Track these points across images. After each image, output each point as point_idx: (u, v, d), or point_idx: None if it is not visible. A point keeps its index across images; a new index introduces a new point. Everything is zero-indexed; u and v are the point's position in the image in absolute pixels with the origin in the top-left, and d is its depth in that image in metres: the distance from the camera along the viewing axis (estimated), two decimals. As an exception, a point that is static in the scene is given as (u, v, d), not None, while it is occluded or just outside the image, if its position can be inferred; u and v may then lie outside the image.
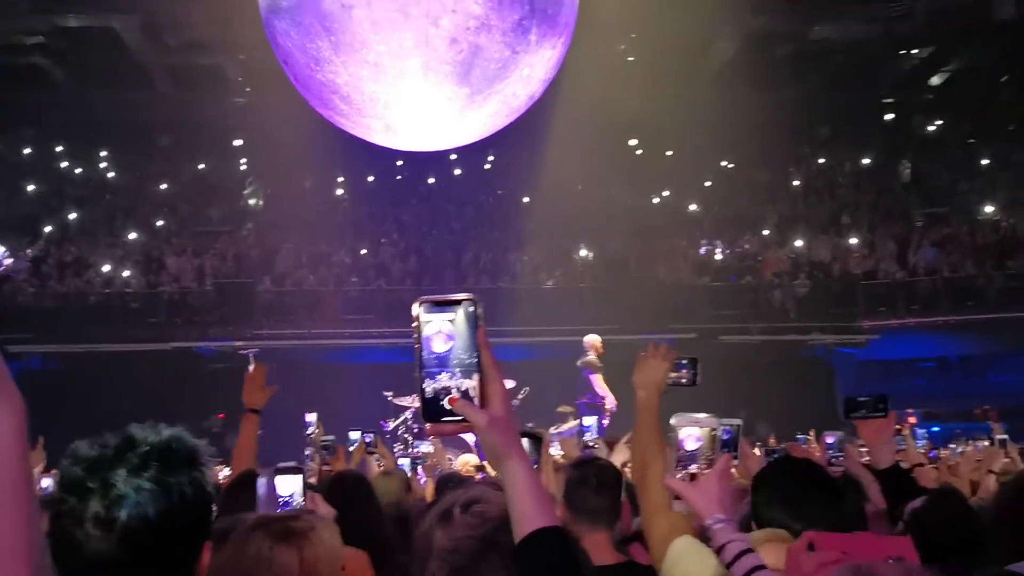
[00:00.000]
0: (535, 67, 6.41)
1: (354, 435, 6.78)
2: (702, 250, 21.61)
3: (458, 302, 1.37)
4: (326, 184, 22.64)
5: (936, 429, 18.59)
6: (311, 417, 7.88)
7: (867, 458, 3.86)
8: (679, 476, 1.99)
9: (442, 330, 1.36)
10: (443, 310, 1.37)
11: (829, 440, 4.73)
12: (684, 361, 2.86)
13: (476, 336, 1.36)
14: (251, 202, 22.66)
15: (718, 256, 21.33)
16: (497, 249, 21.29)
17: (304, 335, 18.70)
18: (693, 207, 22.90)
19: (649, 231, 21.43)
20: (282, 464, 2.87)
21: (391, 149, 8.11)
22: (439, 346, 1.36)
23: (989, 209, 21.65)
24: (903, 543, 1.41)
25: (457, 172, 23.29)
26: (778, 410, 16.19)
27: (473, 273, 20.45)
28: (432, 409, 1.36)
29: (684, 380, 2.86)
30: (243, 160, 23.33)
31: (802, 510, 2.30)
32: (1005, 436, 9.32)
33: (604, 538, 2.81)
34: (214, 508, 1.64)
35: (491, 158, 23.00)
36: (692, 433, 2.02)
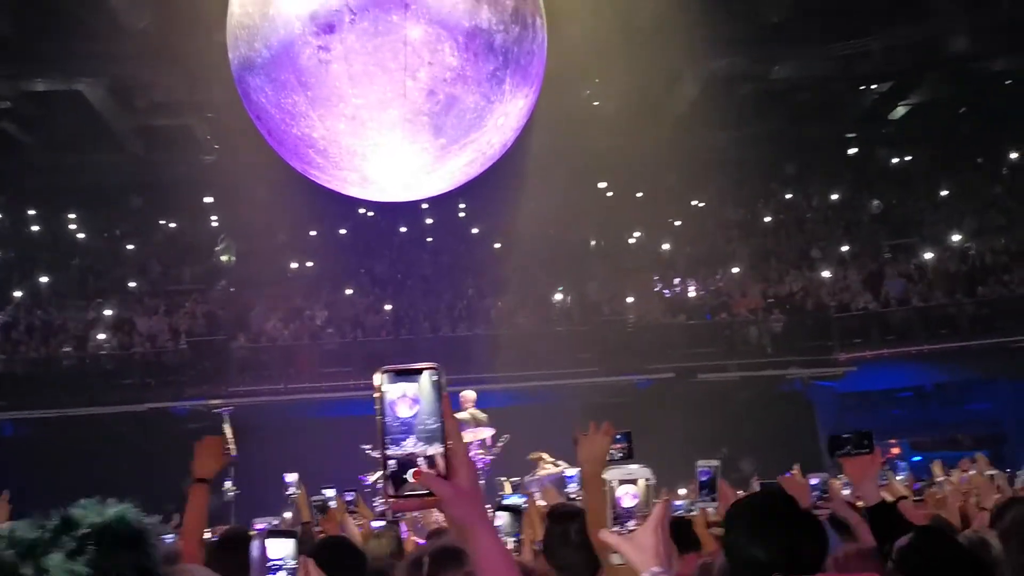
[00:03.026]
0: (509, 116, 6.47)
1: (328, 492, 6.65)
2: (676, 289, 21.75)
3: (421, 371, 1.36)
4: (298, 238, 22.59)
5: (918, 459, 18.71)
6: (291, 477, 7.71)
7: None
8: (615, 531, 1.98)
9: (407, 394, 1.35)
10: (407, 379, 1.36)
11: (813, 481, 4.71)
12: (619, 436, 3.02)
13: (441, 404, 1.35)
14: (223, 259, 22.54)
15: (692, 294, 21.47)
16: (472, 296, 21.31)
17: (280, 391, 18.51)
18: (665, 246, 23.09)
19: (623, 272, 21.56)
20: (274, 527, 2.82)
21: (363, 200, 8.11)
22: (404, 411, 1.34)
23: (956, 238, 22.02)
24: None
25: (429, 221, 23.37)
26: (760, 446, 16.20)
27: (448, 321, 20.42)
28: (395, 483, 1.34)
29: (621, 454, 3.05)
30: (214, 217, 23.26)
31: (774, 543, 2.30)
32: (995, 471, 9.37)
33: None
34: None
35: (462, 205, 23.13)
36: (628, 490, 2.01)
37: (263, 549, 2.67)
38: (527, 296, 21.08)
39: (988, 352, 18.32)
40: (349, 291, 21.73)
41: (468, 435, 11.40)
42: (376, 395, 1.34)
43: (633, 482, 1.99)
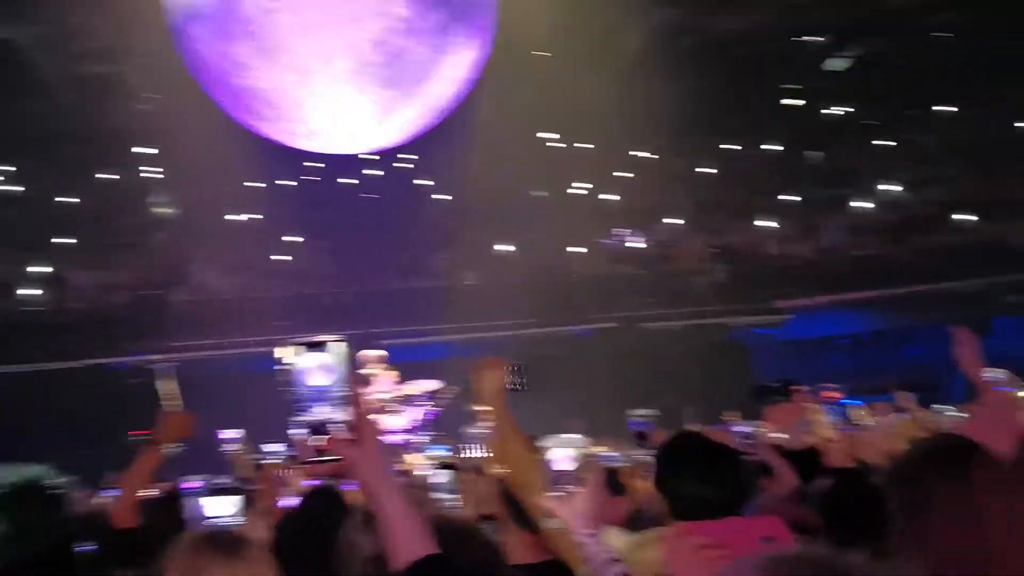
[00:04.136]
0: (459, 67, 6.42)
1: (273, 448, 6.66)
2: (620, 240, 21.95)
3: (331, 342, 1.43)
4: (240, 189, 22.14)
5: (852, 402, 19.33)
6: (231, 434, 7.68)
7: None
8: (553, 494, 2.07)
9: (319, 364, 1.41)
10: (319, 349, 1.41)
11: (741, 428, 4.88)
12: (513, 368, 3.00)
13: (350, 373, 1.42)
14: (160, 211, 22.01)
15: (636, 245, 21.70)
16: (417, 248, 21.22)
17: (224, 345, 18.32)
18: (610, 197, 23.20)
19: (568, 223, 21.65)
20: (216, 483, 2.84)
21: (306, 151, 7.99)
22: (318, 379, 1.40)
23: (892, 188, 22.59)
24: (773, 523, 1.50)
25: (374, 172, 23.08)
26: (702, 394, 16.57)
27: (394, 273, 20.35)
28: (307, 450, 1.40)
29: (516, 386, 2.99)
30: (152, 168, 22.63)
31: (709, 480, 2.39)
32: (918, 410, 9.76)
33: (528, 538, 2.85)
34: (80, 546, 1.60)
35: (409, 157, 22.87)
36: (564, 453, 2.09)
37: (200, 506, 2.69)
38: (472, 248, 21.07)
39: (921, 299, 18.94)
40: (294, 243, 21.45)
41: (414, 387, 11.47)
42: (284, 367, 1.38)
43: (569, 448, 2.07)
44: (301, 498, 3.54)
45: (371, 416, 1.46)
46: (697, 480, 2.39)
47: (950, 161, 23.31)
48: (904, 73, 23.69)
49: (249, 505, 4.79)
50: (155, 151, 21.58)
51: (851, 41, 22.87)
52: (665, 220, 22.42)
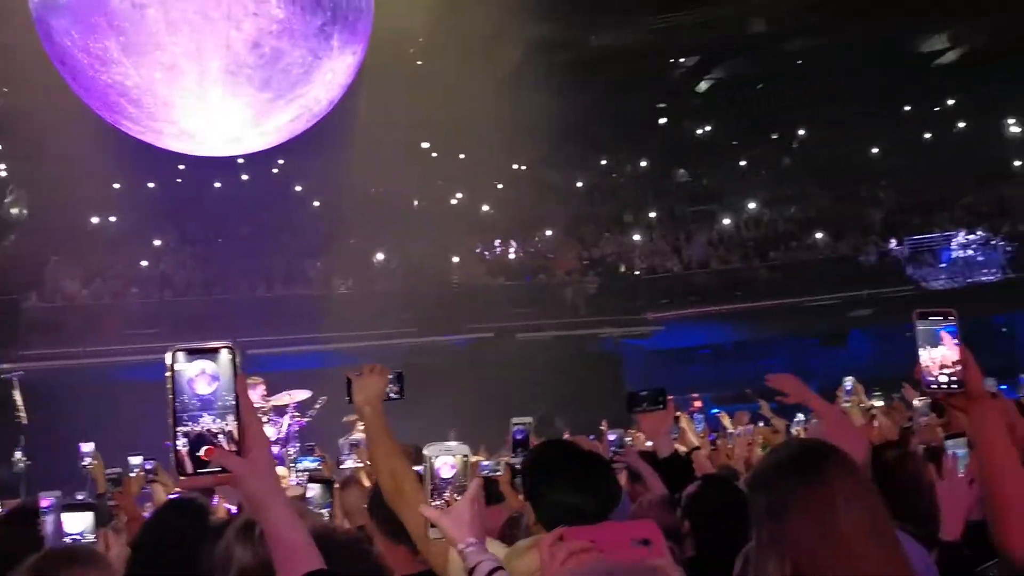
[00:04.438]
0: (336, 72, 6.35)
1: (135, 460, 6.33)
2: (497, 250, 22.13)
3: (217, 349, 1.37)
4: (101, 191, 21.11)
5: (716, 411, 20.08)
6: (87, 447, 7.26)
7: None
8: (434, 504, 2.08)
9: (206, 371, 1.36)
10: (203, 357, 1.37)
11: (611, 437, 4.97)
12: (392, 376, 2.97)
13: (236, 380, 1.37)
14: (13, 212, 20.75)
15: (512, 256, 21.94)
16: (290, 255, 20.77)
17: (79, 353, 17.39)
18: (486, 208, 23.39)
19: (445, 233, 21.67)
20: (71, 500, 2.71)
21: (172, 153, 7.72)
22: (203, 388, 1.35)
23: (752, 206, 23.67)
24: (647, 526, 1.54)
25: (246, 177, 22.48)
26: (574, 403, 16.86)
27: (265, 281, 19.84)
28: (187, 462, 1.34)
29: (394, 394, 2.97)
30: (2, 166, 21.33)
31: (581, 488, 2.42)
32: (774, 418, 10.26)
33: (405, 551, 2.84)
34: None
35: (281, 161, 22.39)
36: (446, 461, 2.10)
37: (58, 523, 2.56)
38: (348, 256, 20.80)
39: (779, 312, 19.90)
40: (157, 247, 20.62)
41: (285, 397, 11.23)
42: (168, 374, 1.33)
43: (452, 455, 2.08)
44: (156, 512, 3.40)
45: (259, 427, 1.40)
46: (566, 488, 2.41)
47: (807, 181, 24.67)
48: (765, 95, 24.92)
49: (108, 520, 4.55)
50: (7, 147, 20.40)
51: (716, 63, 23.88)
52: (540, 232, 22.75)
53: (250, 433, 1.36)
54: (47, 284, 18.91)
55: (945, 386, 1.99)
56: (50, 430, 12.61)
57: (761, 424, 11.97)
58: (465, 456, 2.11)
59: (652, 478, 3.84)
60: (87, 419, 11.78)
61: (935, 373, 1.99)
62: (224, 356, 1.36)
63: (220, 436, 1.34)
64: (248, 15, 5.34)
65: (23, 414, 12.42)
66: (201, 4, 5.19)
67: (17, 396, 12.47)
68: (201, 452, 1.33)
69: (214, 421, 1.34)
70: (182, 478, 1.35)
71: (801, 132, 26.20)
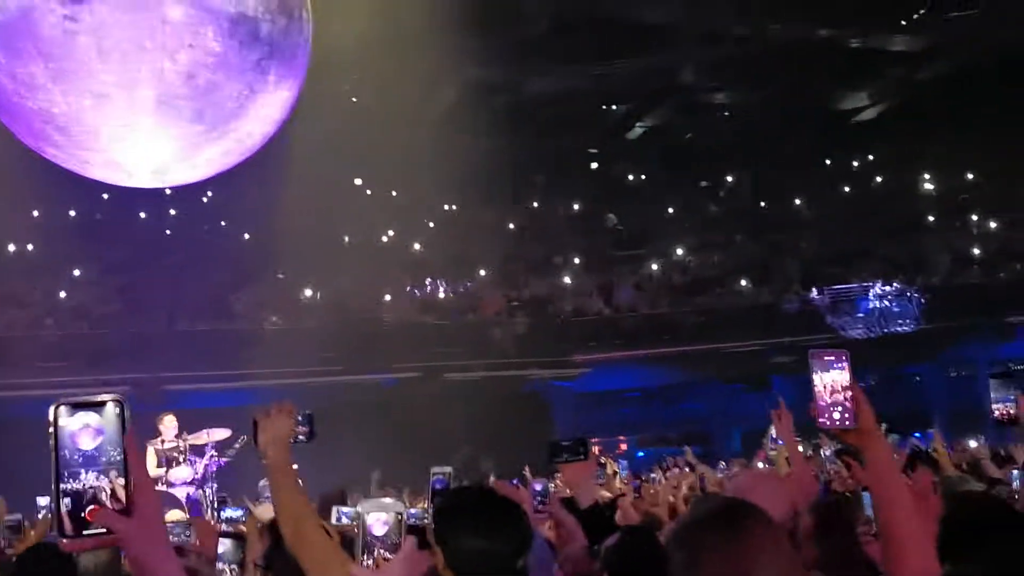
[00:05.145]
0: (271, 107, 6.31)
1: (42, 501, 5.96)
2: (426, 289, 22.07)
3: (103, 403, 1.31)
4: (17, 218, 20.42)
5: (641, 455, 20.25)
6: None
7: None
8: (364, 563, 2.04)
9: (90, 424, 1.29)
10: (88, 410, 1.30)
11: (536, 487, 4.95)
12: (301, 417, 2.88)
13: (124, 436, 1.30)
14: (-77, 236, 19.94)
15: (441, 295, 21.89)
16: (215, 288, 20.34)
17: (-11, 387, 16.68)
18: (417, 247, 23.35)
19: (374, 270, 21.53)
20: None
21: (94, 181, 7.54)
22: (86, 443, 1.29)
23: (680, 251, 24.15)
24: None
25: (171, 210, 22.03)
26: (502, 445, 16.79)
27: (188, 314, 19.38)
28: (72, 521, 1.29)
29: (302, 436, 2.88)
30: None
31: (497, 533, 2.34)
32: (698, 464, 10.41)
33: None
34: None
35: (209, 193, 22.02)
36: (379, 518, 2.07)
37: None
38: (275, 291, 20.48)
39: (703, 356, 20.23)
40: (75, 278, 19.99)
41: (203, 436, 10.92)
42: (51, 429, 1.28)
43: (385, 512, 2.04)
44: (18, 559, 3.22)
45: (148, 484, 1.33)
46: (475, 532, 2.34)
47: (731, 228, 25.31)
48: (693, 144, 25.60)
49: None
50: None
51: (649, 111, 24.46)
52: (470, 271, 22.79)
53: (139, 490, 1.29)
54: (-44, 313, 18.15)
55: (838, 422, 2.06)
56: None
57: (685, 470, 12.13)
58: (399, 514, 2.07)
59: (574, 528, 3.82)
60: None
61: (828, 410, 2.06)
62: (110, 409, 1.29)
63: (103, 494, 1.27)
64: (183, 47, 5.28)
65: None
66: (135, 33, 5.12)
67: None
68: (86, 511, 1.26)
69: (97, 478, 1.27)
70: (64, 541, 1.27)
71: (729, 179, 26.94)
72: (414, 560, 1.96)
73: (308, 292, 20.72)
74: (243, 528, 5.20)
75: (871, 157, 26.51)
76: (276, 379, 17.24)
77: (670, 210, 25.97)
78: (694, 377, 21.09)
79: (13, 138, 6.92)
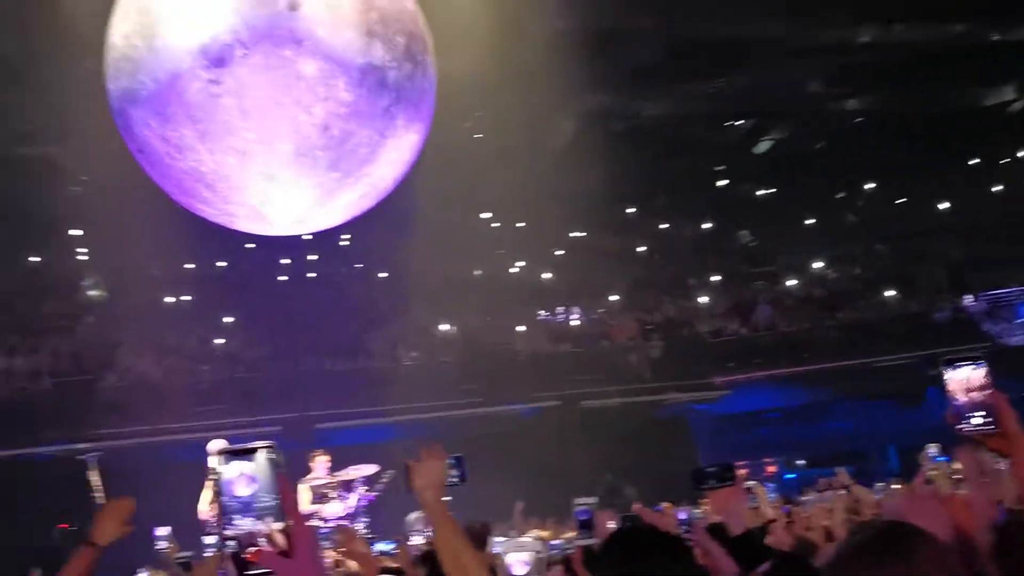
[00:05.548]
0: (401, 150, 6.53)
1: (210, 540, 6.28)
2: (558, 318, 22.13)
3: (256, 450, 1.37)
4: (173, 272, 21.80)
5: (790, 477, 19.55)
6: (162, 531, 7.23)
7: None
8: None
9: (243, 472, 1.35)
10: (242, 457, 1.36)
11: (680, 515, 4.82)
12: (452, 459, 2.90)
13: (278, 481, 1.35)
14: (93, 294, 21.51)
15: (574, 323, 21.89)
16: (355, 328, 21.04)
17: (151, 431, 17.72)
18: (547, 276, 23.48)
19: (505, 302, 21.78)
20: None
21: (240, 233, 7.96)
22: (241, 489, 1.34)
23: (817, 266, 23.34)
24: None
25: (311, 255, 23.00)
26: (642, 471, 16.58)
27: (330, 355, 20.10)
28: (237, 563, 1.33)
29: (454, 479, 2.91)
30: (81, 251, 22.19)
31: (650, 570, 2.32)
32: (855, 486, 9.93)
33: None
34: None
35: (346, 237, 22.87)
36: (520, 558, 2.05)
37: None
38: (410, 328, 21.00)
39: (849, 372, 19.41)
40: (226, 326, 21.10)
41: (352, 472, 11.24)
42: (213, 476, 1.34)
43: (524, 551, 2.04)
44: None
45: (305, 527, 1.37)
46: (646, 572, 2.32)
47: (871, 237, 24.29)
48: (824, 154, 24.78)
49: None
50: (87, 234, 21.24)
51: (774, 124, 23.89)
52: (600, 298, 22.72)
53: (297, 534, 1.34)
54: (121, 364, 19.43)
55: (980, 426, 1.95)
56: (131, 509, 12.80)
57: (838, 492, 11.61)
58: (539, 552, 2.07)
59: (721, 556, 3.72)
60: (160, 498, 11.92)
61: (966, 412, 1.95)
62: (261, 456, 1.36)
63: (261, 538, 1.33)
64: (318, 100, 5.56)
65: (100, 494, 12.69)
66: (273, 91, 5.43)
67: (94, 476, 12.76)
68: (246, 554, 1.32)
69: (254, 523, 1.33)
70: None
71: (866, 187, 25.86)
72: None
73: (443, 327, 21.13)
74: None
75: (1021, 154, 24.93)
76: (417, 414, 17.64)
77: (805, 223, 25.18)
78: (840, 394, 20.25)
79: (165, 197, 7.40)
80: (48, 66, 15.41)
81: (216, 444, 11.54)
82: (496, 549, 2.04)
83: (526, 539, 2.06)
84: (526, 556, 2.06)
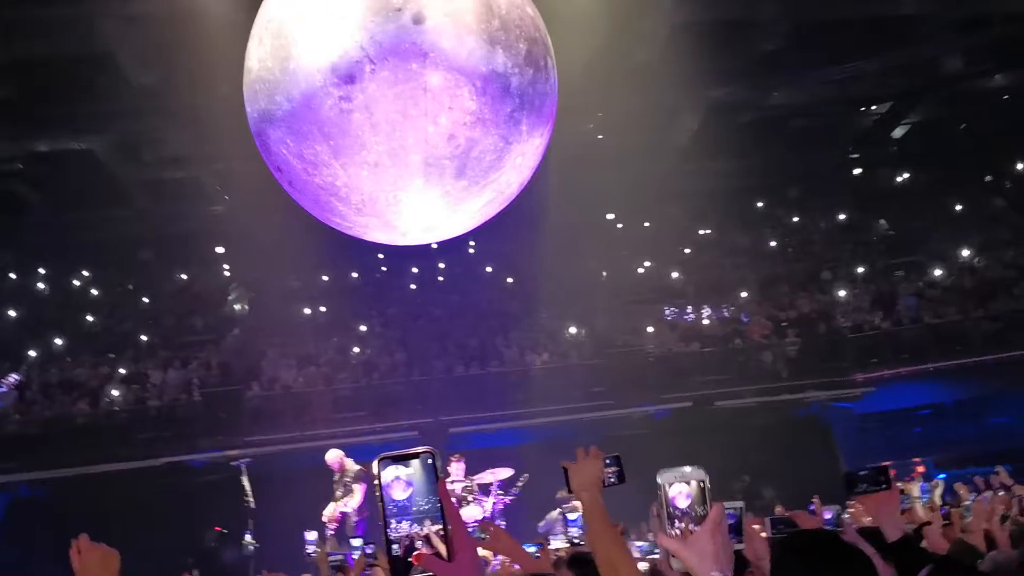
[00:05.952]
0: (526, 155, 6.53)
1: (356, 543, 6.46)
2: (688, 318, 21.72)
3: (415, 455, 1.39)
4: (309, 284, 22.67)
5: (942, 476, 18.49)
6: (311, 535, 7.47)
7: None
8: (672, 533, 1.95)
9: (400, 476, 1.38)
10: (400, 463, 1.39)
11: (827, 515, 4.61)
12: (609, 459, 2.89)
13: (436, 486, 1.38)
14: (236, 308, 22.60)
15: (705, 322, 21.44)
16: (485, 332, 21.29)
17: (294, 439, 18.43)
18: (675, 275, 23.12)
19: (633, 303, 21.56)
20: None
21: (372, 244, 8.16)
22: (399, 494, 1.38)
23: (964, 254, 22.03)
24: None
25: (439, 262, 23.44)
26: (781, 472, 16.10)
27: (461, 360, 20.40)
28: (399, 566, 1.35)
29: (613, 479, 2.90)
30: (225, 267, 23.37)
31: None
32: (1015, 485, 9.31)
33: None
34: None
35: (473, 243, 23.18)
36: (681, 490, 1.99)
37: None
38: (540, 331, 21.07)
39: (1002, 366, 18.24)
40: (362, 334, 21.73)
41: (488, 476, 11.34)
42: (375, 481, 1.36)
43: (687, 482, 1.98)
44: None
45: (465, 530, 1.39)
46: None
47: (1022, 222, 22.77)
48: (968, 136, 23.42)
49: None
50: (231, 251, 22.36)
51: (911, 108, 22.76)
52: (731, 295, 22.17)
53: (457, 538, 1.36)
54: (266, 374, 20.29)
55: None
56: (273, 513, 13.40)
57: (998, 492, 10.94)
58: (701, 482, 2.02)
59: (875, 559, 3.53)
60: (306, 503, 12.42)
61: None
62: (417, 462, 1.39)
63: (419, 541, 1.36)
64: (444, 109, 5.63)
65: (251, 499, 13.32)
66: (401, 104, 5.53)
67: (245, 482, 13.40)
68: (409, 557, 1.35)
69: (411, 526, 1.37)
70: None
71: (1018, 167, 24.26)
72: (724, 530, 1.88)
73: (572, 329, 21.10)
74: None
75: None
76: (548, 416, 17.67)
77: (948, 209, 23.85)
78: (994, 388, 19.05)
79: (300, 212, 7.66)
80: (191, 94, 16.29)
81: (333, 453, 12.02)
82: (658, 479, 2.01)
83: (688, 468, 2.01)
84: (688, 488, 2.01)
